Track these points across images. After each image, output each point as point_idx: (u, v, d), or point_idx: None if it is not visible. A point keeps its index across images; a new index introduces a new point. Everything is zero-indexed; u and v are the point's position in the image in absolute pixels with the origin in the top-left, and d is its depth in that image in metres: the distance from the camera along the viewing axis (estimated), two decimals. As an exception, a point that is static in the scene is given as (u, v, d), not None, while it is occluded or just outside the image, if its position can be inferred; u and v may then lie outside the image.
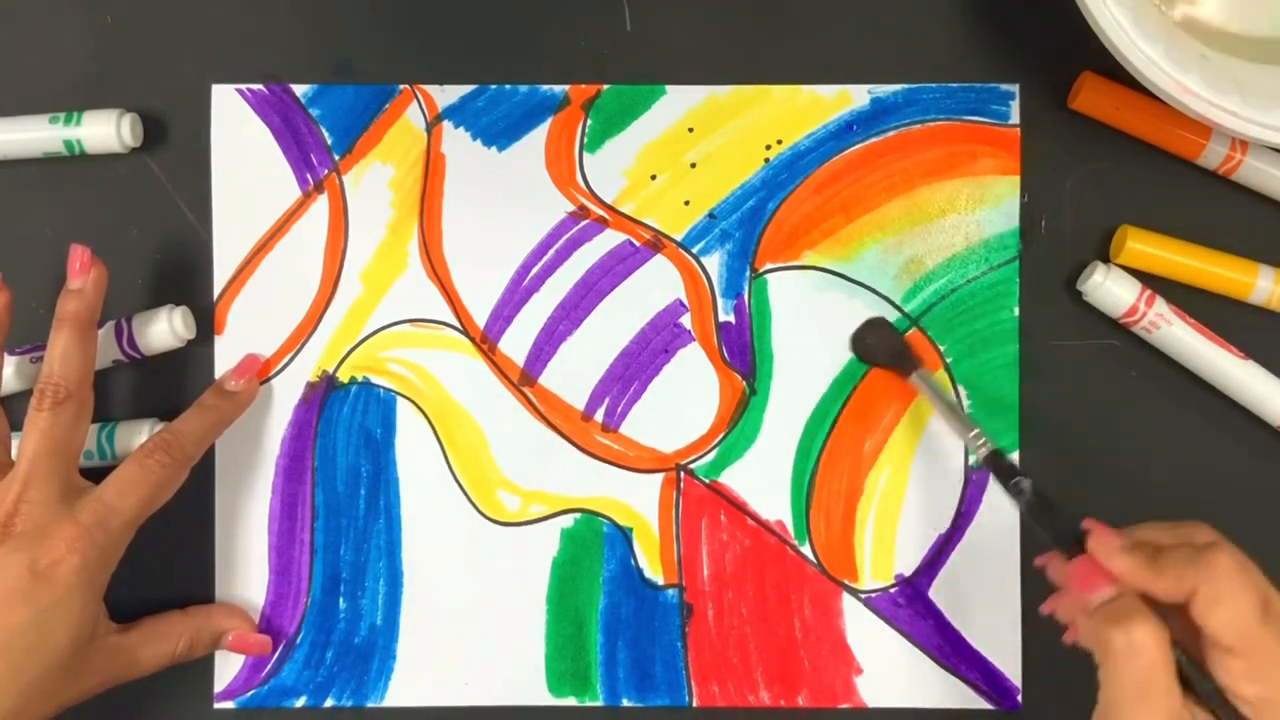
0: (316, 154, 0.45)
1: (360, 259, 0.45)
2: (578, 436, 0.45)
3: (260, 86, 0.45)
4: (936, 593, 0.44)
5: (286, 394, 0.45)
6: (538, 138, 0.45)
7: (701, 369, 0.45)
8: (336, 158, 0.45)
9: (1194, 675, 0.32)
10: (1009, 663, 0.44)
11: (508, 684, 0.44)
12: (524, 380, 0.45)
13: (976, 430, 0.40)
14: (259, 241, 0.45)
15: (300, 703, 0.45)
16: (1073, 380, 0.44)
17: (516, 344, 0.45)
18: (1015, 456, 0.44)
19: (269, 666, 0.45)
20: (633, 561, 0.44)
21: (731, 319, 0.45)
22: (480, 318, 0.45)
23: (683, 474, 0.45)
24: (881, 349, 0.44)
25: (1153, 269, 0.43)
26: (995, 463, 0.39)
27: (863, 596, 0.44)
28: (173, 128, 0.45)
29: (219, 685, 0.45)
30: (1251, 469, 0.44)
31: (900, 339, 0.44)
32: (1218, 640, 0.32)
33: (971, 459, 0.40)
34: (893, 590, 0.44)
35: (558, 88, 0.45)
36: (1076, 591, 0.34)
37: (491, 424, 0.45)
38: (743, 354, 0.45)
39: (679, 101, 0.45)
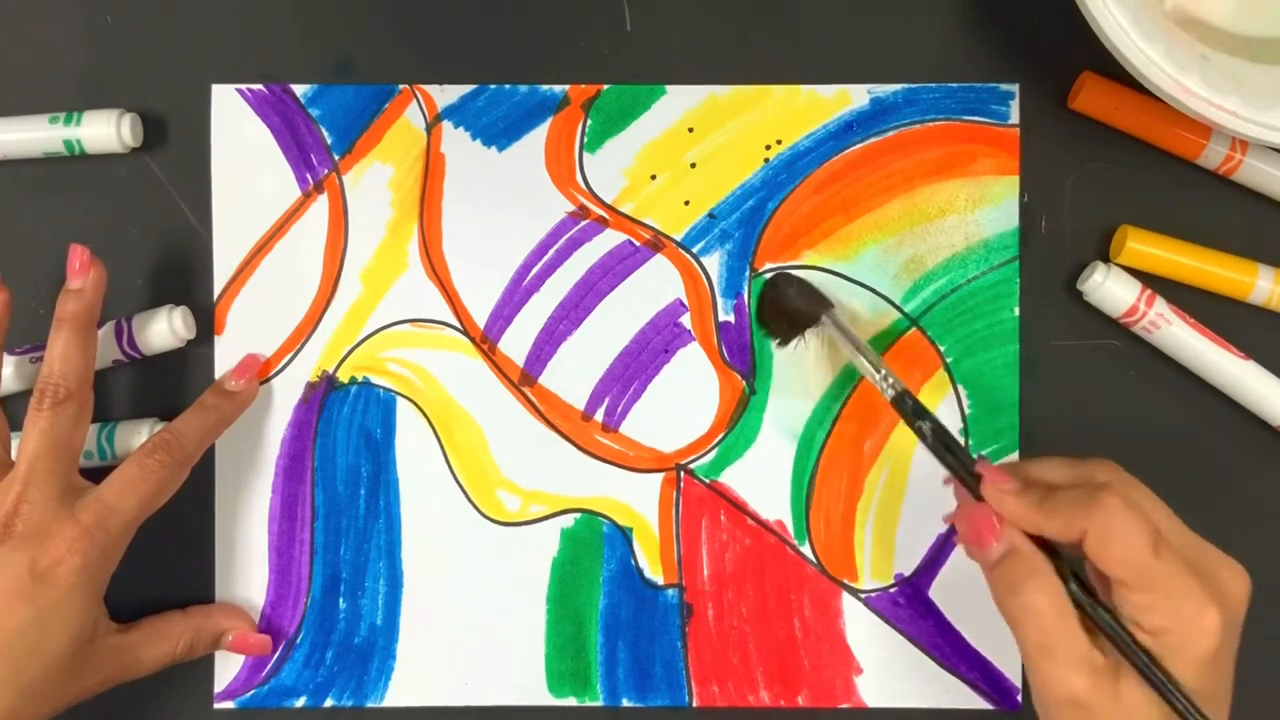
0: (316, 154, 0.45)
1: (360, 259, 0.45)
2: (578, 436, 0.45)
3: (260, 86, 0.45)
4: (936, 593, 0.44)
5: (286, 394, 0.45)
6: (538, 138, 0.45)
7: (701, 369, 0.45)
8: (336, 158, 0.45)
9: (1094, 612, 0.33)
10: (1009, 663, 0.44)
11: (508, 684, 0.44)
12: (524, 380, 0.45)
13: (884, 371, 0.39)
14: (259, 241, 0.45)
15: (300, 703, 0.45)
16: (1073, 380, 0.44)
17: (516, 344, 0.45)
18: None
19: (269, 666, 0.45)
20: (633, 561, 0.44)
21: (731, 319, 0.45)
22: (480, 318, 0.45)
23: (683, 474, 0.45)
24: (786, 310, 0.43)
25: (1153, 269, 0.43)
26: (902, 403, 0.39)
27: (863, 596, 0.44)
28: (173, 128, 0.45)
29: (219, 685, 0.45)
30: (1251, 469, 0.44)
31: (796, 291, 0.43)
32: (1113, 576, 0.33)
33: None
34: (893, 590, 0.44)
35: (558, 88, 0.45)
36: (970, 545, 0.35)
37: (491, 424, 0.45)
38: (743, 354, 0.45)
39: (679, 101, 0.45)
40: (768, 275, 0.44)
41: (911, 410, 0.38)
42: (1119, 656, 0.33)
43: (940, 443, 0.37)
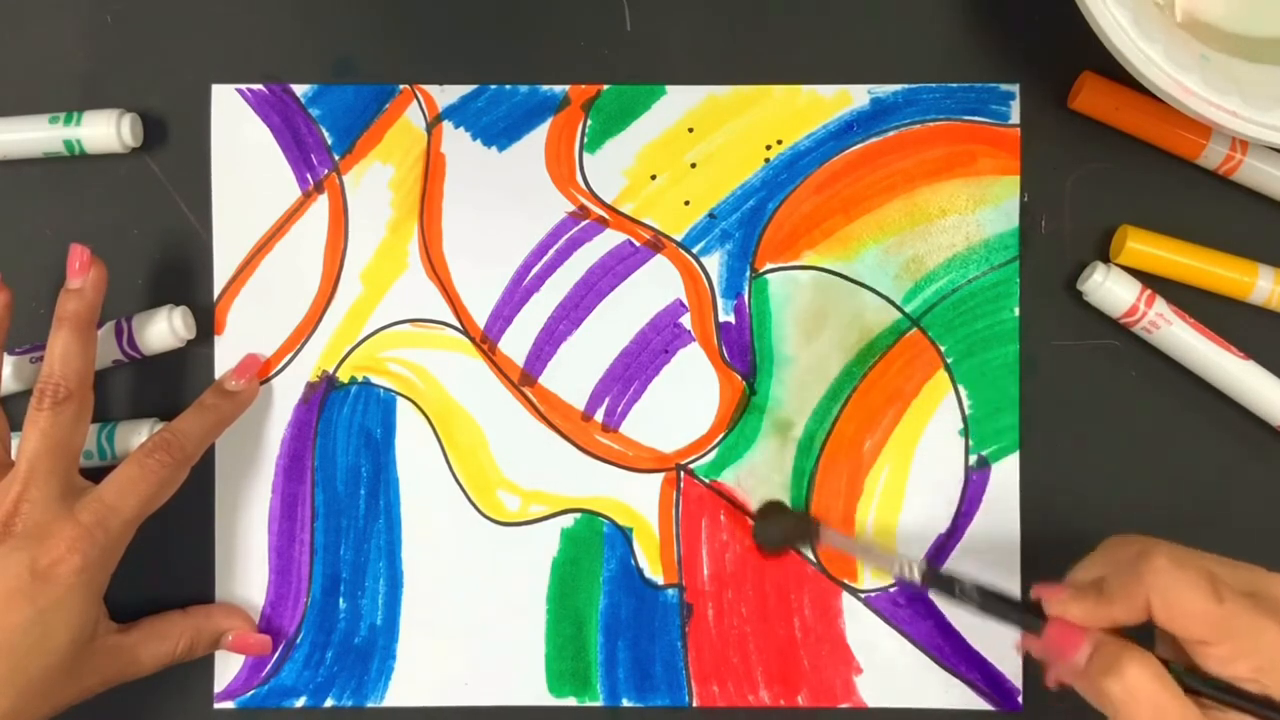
0: (316, 154, 0.45)
1: (360, 259, 0.45)
2: (578, 436, 0.45)
3: (260, 86, 0.45)
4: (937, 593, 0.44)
5: (286, 394, 0.45)
6: (538, 138, 0.45)
7: (701, 369, 0.45)
8: (336, 158, 0.45)
9: (1194, 682, 0.33)
10: (1009, 663, 0.44)
11: (508, 684, 0.44)
12: (524, 380, 0.45)
13: (903, 559, 0.39)
14: (259, 241, 0.45)
15: (300, 703, 0.45)
16: (1073, 380, 0.44)
17: (516, 344, 0.45)
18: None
19: (269, 666, 0.45)
20: (633, 561, 0.44)
21: (731, 319, 0.45)
22: (480, 318, 0.45)
23: (683, 474, 0.45)
24: (783, 534, 0.44)
25: (1153, 269, 0.43)
26: (934, 578, 0.38)
27: (863, 596, 0.44)
28: (173, 128, 0.45)
29: (219, 685, 0.45)
30: (1251, 469, 0.44)
31: (790, 517, 0.44)
32: (1190, 638, 0.32)
33: (908, 580, 0.39)
34: (893, 590, 0.44)
35: (558, 88, 0.45)
36: (1060, 660, 0.34)
37: (491, 424, 0.45)
38: (743, 354, 0.45)
39: (679, 101, 0.45)
40: (759, 517, 0.44)
41: (947, 581, 0.38)
42: (1227, 715, 0.32)
43: (986, 596, 0.37)
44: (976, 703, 0.44)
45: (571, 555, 0.44)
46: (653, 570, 0.44)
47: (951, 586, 0.38)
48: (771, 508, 0.44)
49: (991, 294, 0.44)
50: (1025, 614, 0.36)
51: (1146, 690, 0.32)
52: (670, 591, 0.44)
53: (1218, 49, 0.41)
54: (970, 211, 0.44)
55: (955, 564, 0.44)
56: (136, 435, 0.43)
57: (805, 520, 0.44)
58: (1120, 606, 0.33)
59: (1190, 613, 0.32)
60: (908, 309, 0.44)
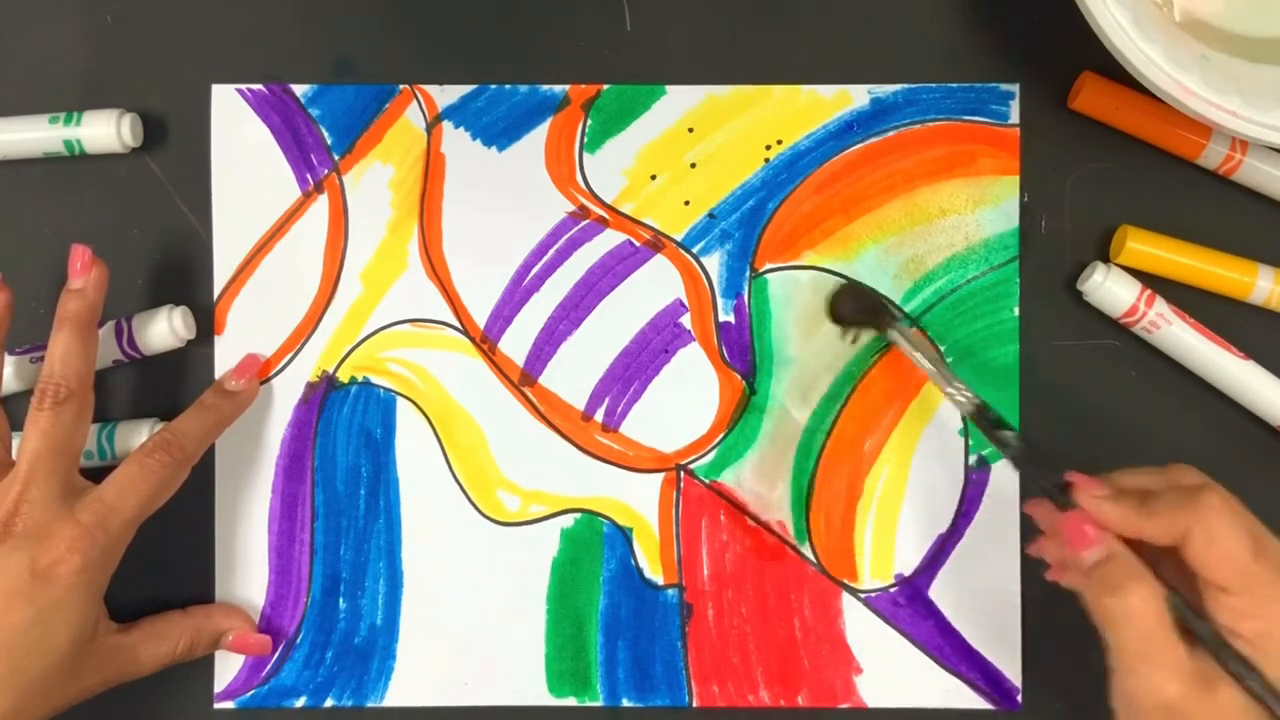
0: (316, 154, 0.45)
1: (360, 259, 0.45)
2: (578, 436, 0.45)
3: (260, 86, 0.45)
4: (936, 593, 0.44)
5: (286, 394, 0.45)
6: (538, 138, 0.45)
7: (701, 369, 0.45)
8: (336, 158, 0.45)
9: (1192, 621, 0.33)
10: (1009, 663, 0.44)
11: (508, 684, 0.44)
12: (524, 380, 0.45)
13: (959, 384, 0.40)
14: (259, 241, 0.45)
15: (300, 703, 0.45)
16: (1073, 380, 0.44)
17: (516, 344, 0.45)
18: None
19: (269, 666, 0.45)
20: (633, 561, 0.44)
21: (731, 319, 0.45)
22: (480, 318, 0.45)
23: (683, 474, 0.45)
24: (857, 308, 0.44)
25: (1153, 269, 0.43)
26: (981, 416, 0.39)
27: (863, 596, 0.44)
28: (173, 128, 0.45)
29: (219, 685, 0.45)
30: (1251, 469, 0.44)
31: (876, 296, 0.44)
32: (1212, 580, 0.33)
33: (958, 413, 0.40)
34: (893, 590, 0.44)
35: (558, 88, 0.45)
36: (1069, 550, 0.35)
37: (491, 424, 0.45)
38: (743, 354, 0.45)
39: (679, 101, 0.45)
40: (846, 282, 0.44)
41: (994, 422, 0.38)
42: (1212, 664, 0.32)
43: (1025, 454, 0.37)
44: (976, 703, 0.44)
45: (571, 555, 0.44)
46: (653, 570, 0.44)
47: (997, 427, 0.38)
48: (858, 285, 0.44)
49: (991, 294, 0.44)
50: (1057, 486, 0.36)
51: (1142, 619, 0.32)
52: (670, 591, 0.44)
53: (1218, 49, 0.41)
54: (970, 211, 0.44)
55: (955, 564, 0.44)
56: (136, 435, 0.43)
57: (887, 308, 0.43)
58: (1158, 524, 0.33)
59: (1227, 557, 0.32)
60: (907, 309, 0.44)
